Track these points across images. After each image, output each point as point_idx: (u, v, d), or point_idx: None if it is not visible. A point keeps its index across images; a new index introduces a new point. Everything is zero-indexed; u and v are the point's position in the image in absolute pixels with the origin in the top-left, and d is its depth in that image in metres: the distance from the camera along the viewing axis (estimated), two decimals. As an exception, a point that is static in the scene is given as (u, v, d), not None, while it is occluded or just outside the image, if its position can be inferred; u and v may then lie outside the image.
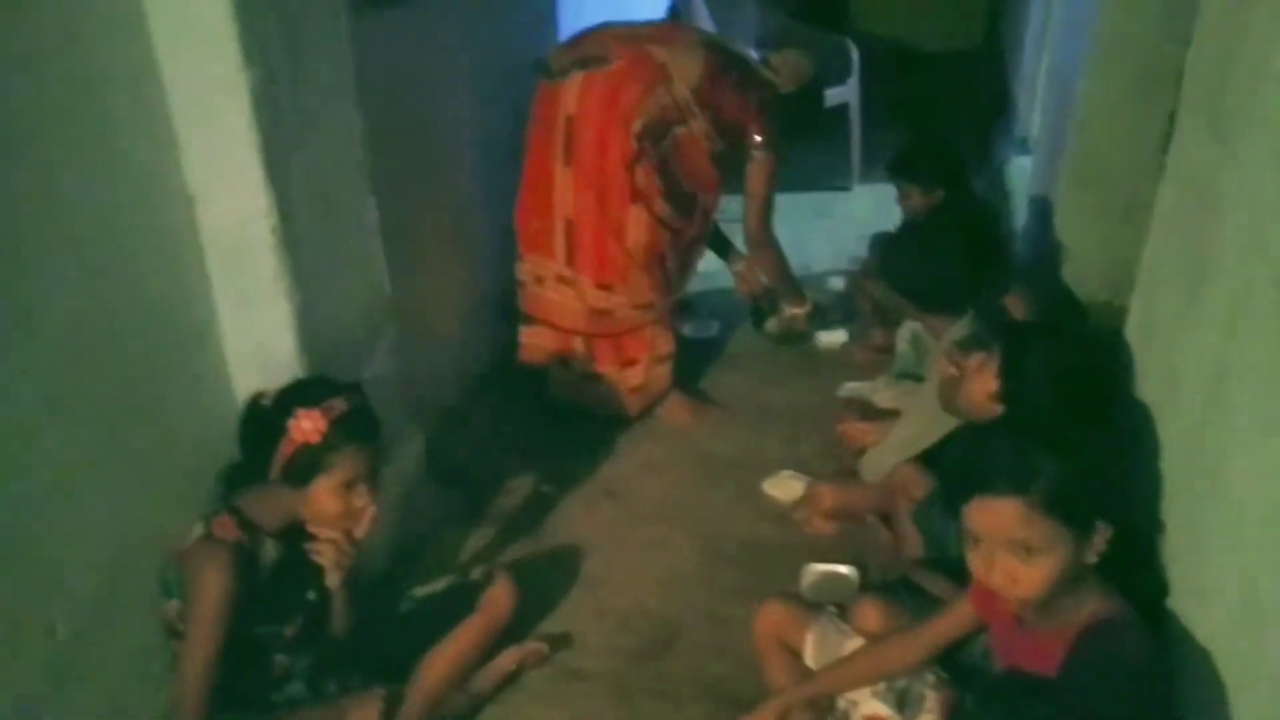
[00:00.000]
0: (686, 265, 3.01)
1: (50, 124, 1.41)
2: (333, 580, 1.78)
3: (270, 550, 1.71)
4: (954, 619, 1.52)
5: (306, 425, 1.65)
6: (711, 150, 2.81)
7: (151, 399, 1.68)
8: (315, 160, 1.94)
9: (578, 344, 2.89)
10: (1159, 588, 1.34)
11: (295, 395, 1.70)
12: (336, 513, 1.71)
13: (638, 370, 2.90)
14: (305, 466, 1.67)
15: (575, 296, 2.83)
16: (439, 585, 2.10)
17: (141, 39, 1.60)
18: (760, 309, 3.32)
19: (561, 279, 2.83)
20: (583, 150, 2.70)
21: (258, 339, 1.87)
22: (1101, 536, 1.22)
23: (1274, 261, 1.09)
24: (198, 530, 1.68)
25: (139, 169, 1.61)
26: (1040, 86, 4.00)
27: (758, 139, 2.86)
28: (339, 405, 1.68)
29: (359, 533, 1.78)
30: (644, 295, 2.84)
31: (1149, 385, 1.53)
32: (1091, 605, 1.25)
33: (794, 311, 3.23)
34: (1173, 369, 1.41)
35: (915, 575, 1.80)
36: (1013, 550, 1.22)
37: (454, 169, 2.92)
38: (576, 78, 2.69)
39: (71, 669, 1.50)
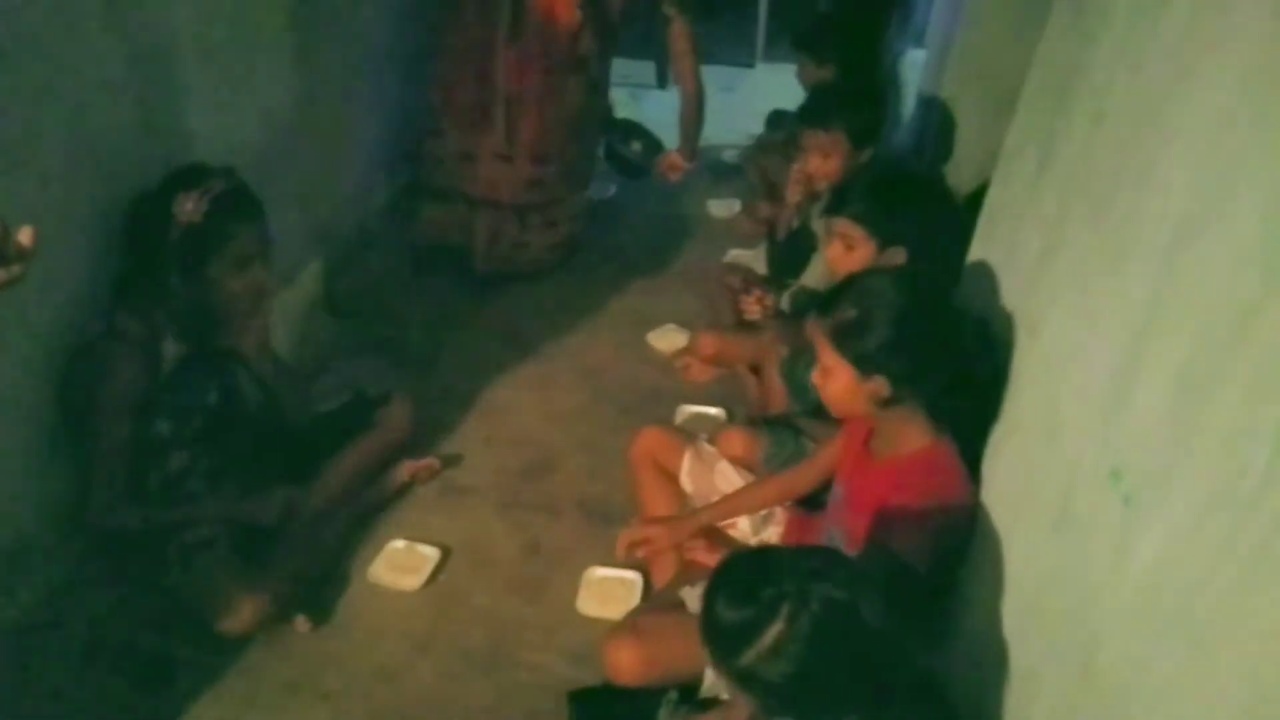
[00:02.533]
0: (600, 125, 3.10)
1: None
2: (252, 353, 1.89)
3: (170, 348, 1.77)
4: (823, 459, 1.72)
5: (189, 206, 1.70)
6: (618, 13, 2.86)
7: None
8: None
9: (509, 217, 2.90)
10: (985, 424, 1.56)
11: (173, 183, 1.73)
12: (237, 290, 1.78)
13: (560, 230, 3.00)
14: (196, 249, 1.72)
15: (513, 172, 2.83)
16: (338, 401, 2.21)
17: None
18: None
19: (499, 155, 2.82)
20: (531, 23, 2.68)
21: (157, 130, 1.90)
22: (876, 387, 1.41)
23: (1106, 139, 1.27)
24: (97, 327, 1.74)
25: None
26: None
27: (674, 2, 2.94)
28: (218, 185, 1.74)
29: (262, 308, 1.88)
30: (574, 163, 2.93)
31: (995, 254, 1.72)
32: (918, 441, 1.46)
33: (679, 160, 3.23)
34: (1017, 240, 1.61)
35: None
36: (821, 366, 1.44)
37: (362, 5, 2.87)
38: None
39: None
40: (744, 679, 1.05)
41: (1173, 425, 0.92)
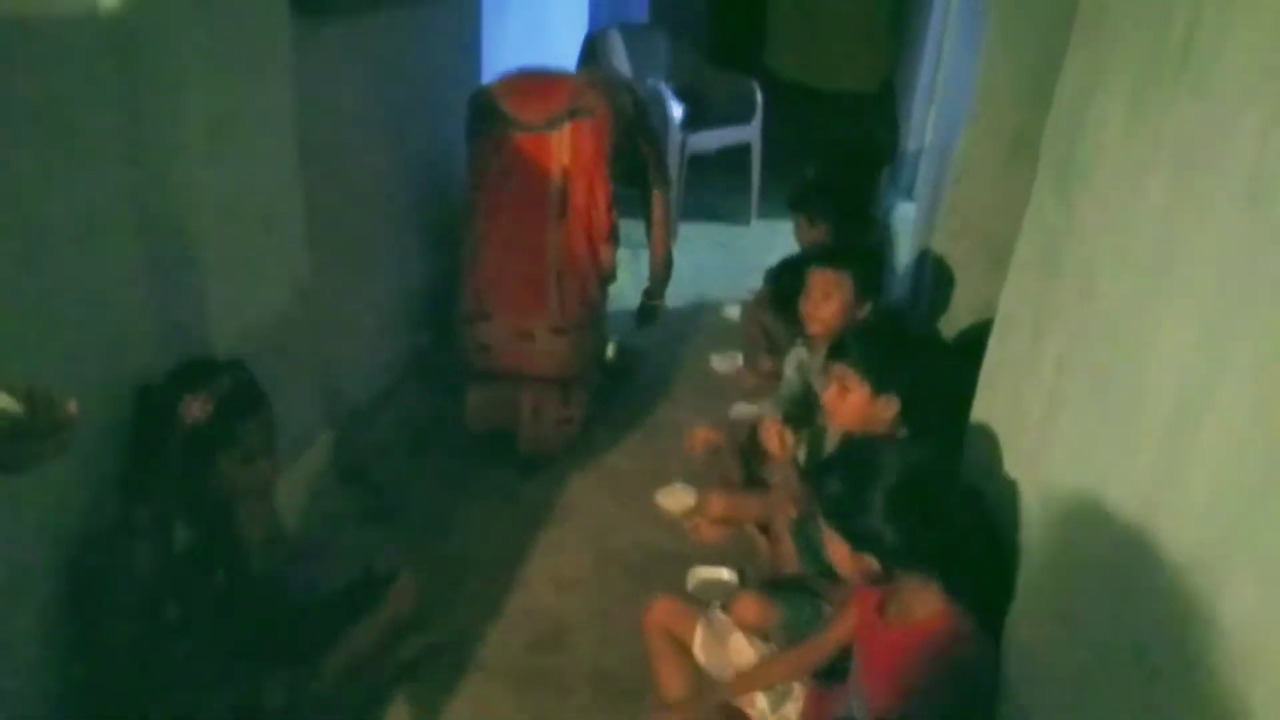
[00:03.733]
0: None
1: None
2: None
3: (181, 534, 1.78)
4: (838, 629, 1.69)
5: (195, 409, 1.74)
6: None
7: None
8: (249, 162, 2.03)
9: (554, 392, 2.90)
10: (1003, 596, 1.54)
11: (181, 381, 1.78)
12: (243, 482, 1.82)
13: (587, 398, 3.04)
14: (202, 448, 1.76)
15: (567, 343, 2.86)
16: (344, 579, 2.19)
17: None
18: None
19: (556, 330, 2.84)
20: (577, 199, 2.81)
21: (174, 319, 1.95)
22: (869, 563, 1.42)
23: (1100, 315, 1.30)
24: (109, 516, 1.75)
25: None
26: (926, 139, 4.30)
27: (659, 174, 3.15)
28: (223, 384, 1.79)
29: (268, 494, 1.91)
30: (603, 321, 3.07)
31: (997, 415, 1.73)
32: (929, 608, 1.44)
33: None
34: (1019, 401, 1.62)
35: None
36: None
37: (382, 181, 3.00)
38: (567, 128, 2.81)
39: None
40: None
41: (1188, 601, 0.91)
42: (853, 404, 1.89)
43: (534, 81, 2.96)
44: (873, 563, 1.41)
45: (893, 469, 1.43)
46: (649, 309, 3.38)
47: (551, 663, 2.15)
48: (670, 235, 3.28)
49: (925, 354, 2.06)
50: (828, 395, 1.95)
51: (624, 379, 3.39)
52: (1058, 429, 1.40)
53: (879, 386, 1.88)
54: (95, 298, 1.76)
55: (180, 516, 1.78)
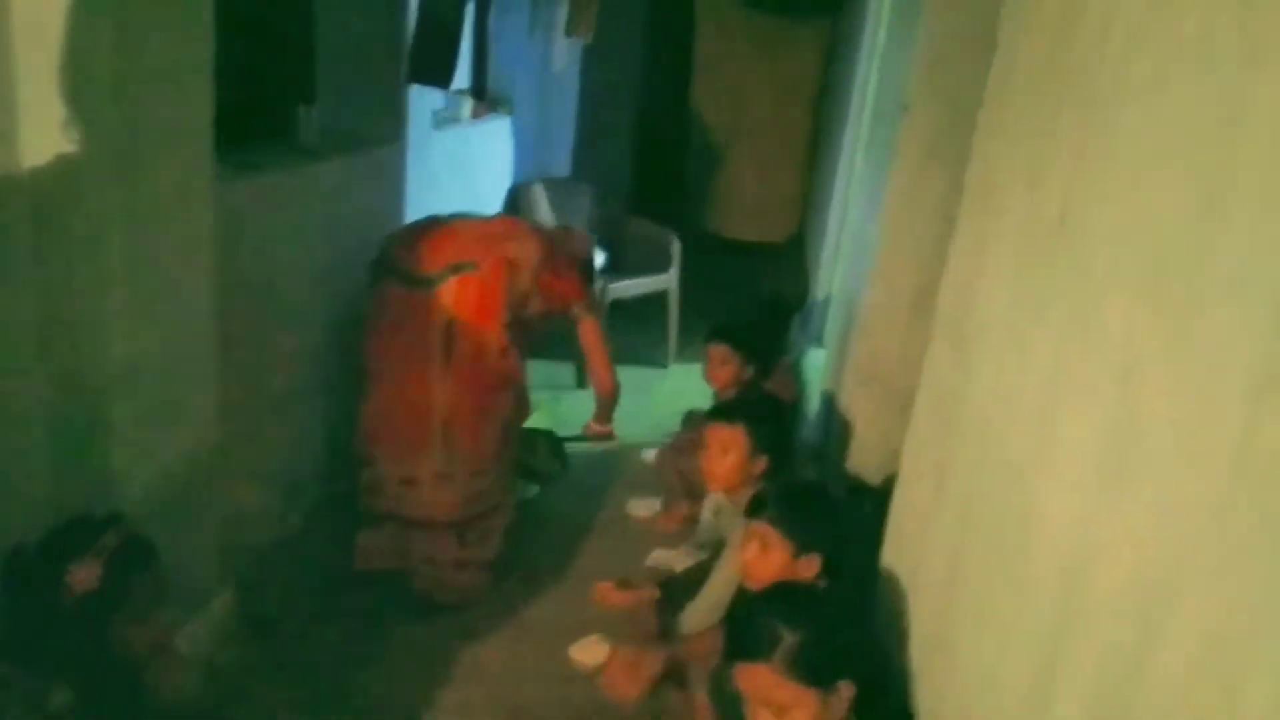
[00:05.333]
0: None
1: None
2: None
3: (58, 696, 1.67)
4: None
5: (84, 575, 1.67)
6: (538, 326, 3.07)
7: None
8: (163, 316, 2.02)
9: (448, 536, 2.87)
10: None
11: (62, 548, 1.71)
12: (137, 640, 1.74)
13: (494, 542, 2.97)
14: (95, 610, 1.68)
15: (454, 489, 2.84)
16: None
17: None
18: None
19: (441, 477, 2.83)
20: (463, 350, 2.83)
21: (77, 472, 1.89)
22: (846, 693, 1.41)
23: (993, 475, 1.35)
24: None
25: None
26: (834, 289, 4.49)
27: (582, 304, 3.19)
28: (109, 543, 1.72)
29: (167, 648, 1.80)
30: (506, 467, 3.01)
31: (902, 563, 1.77)
32: None
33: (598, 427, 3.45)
34: (922, 550, 1.66)
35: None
36: (769, 707, 1.40)
37: (298, 328, 2.99)
38: (451, 283, 2.84)
39: None
40: None
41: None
42: (774, 563, 1.88)
43: (431, 233, 3.00)
44: (850, 690, 1.39)
45: (836, 608, 1.44)
46: (543, 472, 3.41)
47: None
48: (611, 361, 3.30)
49: (844, 513, 2.09)
50: (748, 553, 1.94)
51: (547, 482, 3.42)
52: (962, 578, 1.44)
53: (802, 546, 1.88)
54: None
55: (59, 676, 1.67)
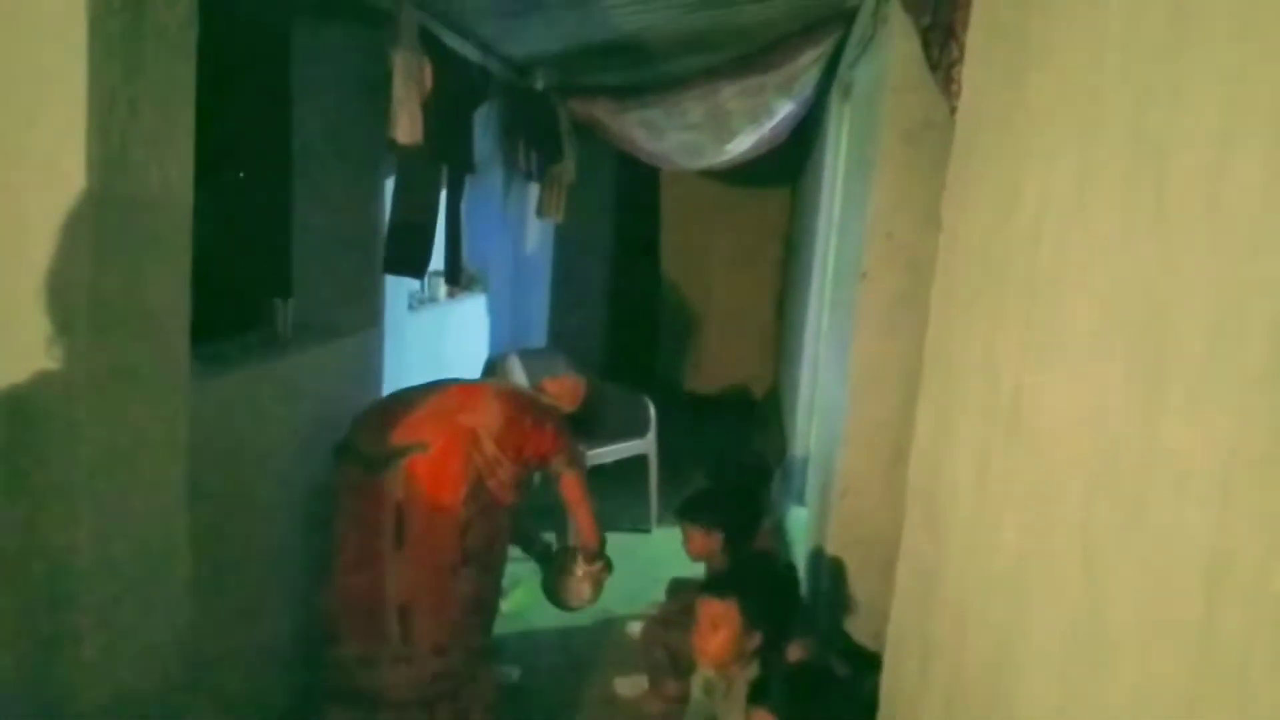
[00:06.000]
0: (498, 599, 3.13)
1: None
2: None
3: None
4: None
5: None
6: (516, 489, 3.02)
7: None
8: (135, 514, 2.00)
9: (415, 715, 2.81)
10: None
11: None
12: None
13: None
14: None
15: (413, 672, 2.79)
16: None
17: None
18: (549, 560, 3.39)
19: (398, 658, 2.79)
20: (415, 531, 2.80)
21: (40, 680, 1.83)
22: None
23: (981, 646, 1.34)
24: None
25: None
26: (811, 446, 4.51)
27: (562, 458, 3.12)
28: None
29: None
30: (475, 642, 2.93)
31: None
32: None
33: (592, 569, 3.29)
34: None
35: None
36: None
37: (274, 518, 2.97)
38: (400, 465, 2.81)
39: None
40: None
41: None
42: None
43: (388, 411, 3.00)
44: None
45: None
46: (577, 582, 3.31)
47: None
48: (595, 515, 3.24)
49: (850, 687, 2.04)
50: None
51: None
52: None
53: None
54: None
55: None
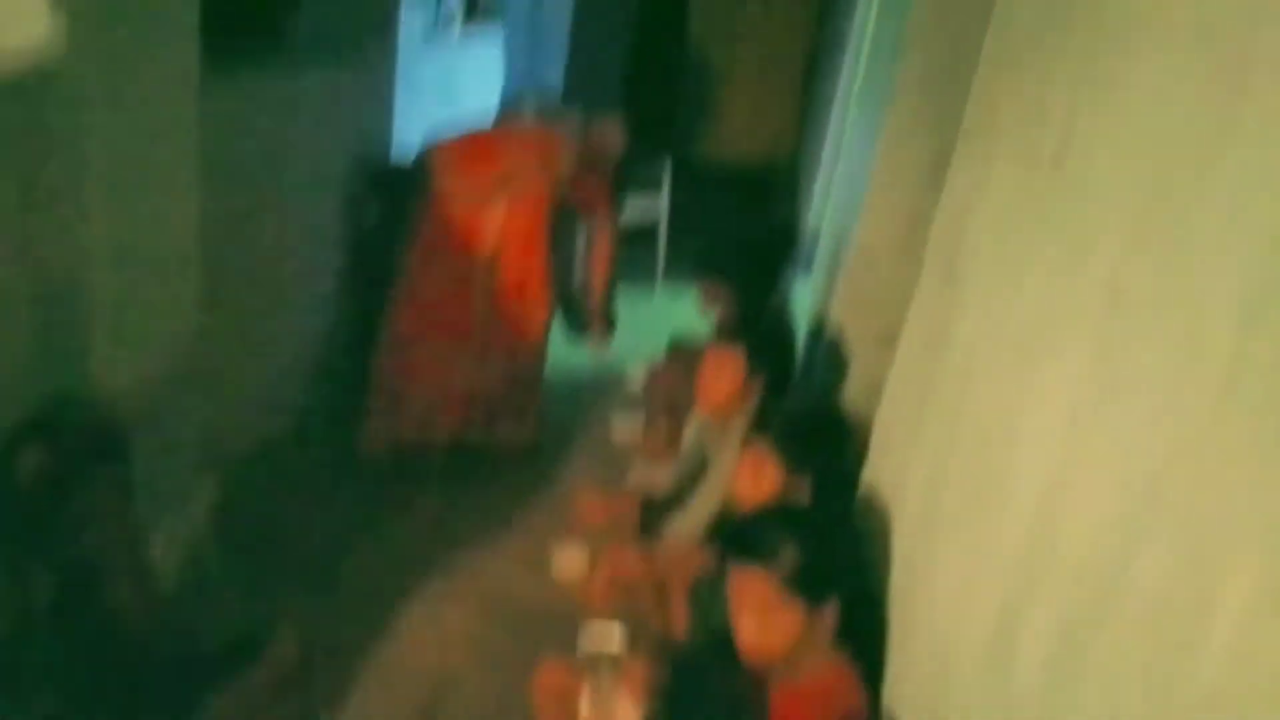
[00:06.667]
0: None
1: None
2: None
3: (41, 584, 1.69)
4: None
5: (31, 464, 1.66)
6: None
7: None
8: (147, 210, 2.01)
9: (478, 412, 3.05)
10: (878, 655, 1.60)
11: (21, 434, 1.69)
12: (97, 545, 1.72)
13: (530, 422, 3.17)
14: (41, 507, 1.67)
15: (486, 371, 3.02)
16: (221, 637, 2.12)
17: None
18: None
19: (474, 392, 3.00)
20: (508, 270, 2.95)
21: (58, 365, 1.90)
22: (831, 613, 1.46)
23: (977, 396, 1.38)
24: None
25: None
26: (825, 219, 4.48)
27: (604, 210, 3.25)
28: (69, 440, 1.71)
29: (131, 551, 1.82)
30: (541, 359, 3.17)
31: (883, 487, 1.81)
32: (822, 662, 1.48)
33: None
34: (904, 474, 1.70)
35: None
36: (756, 616, 1.45)
37: (286, 231, 2.96)
38: (499, 200, 2.91)
39: None
40: None
41: (1050, 672, 0.97)
42: (766, 483, 1.92)
43: (472, 146, 3.05)
44: (835, 610, 1.43)
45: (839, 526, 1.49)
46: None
47: (437, 724, 2.11)
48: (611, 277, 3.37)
49: (838, 440, 2.11)
50: (741, 469, 1.97)
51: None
52: (939, 505, 1.48)
53: (796, 471, 1.91)
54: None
55: (39, 567, 1.69)
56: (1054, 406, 1.09)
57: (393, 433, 3.01)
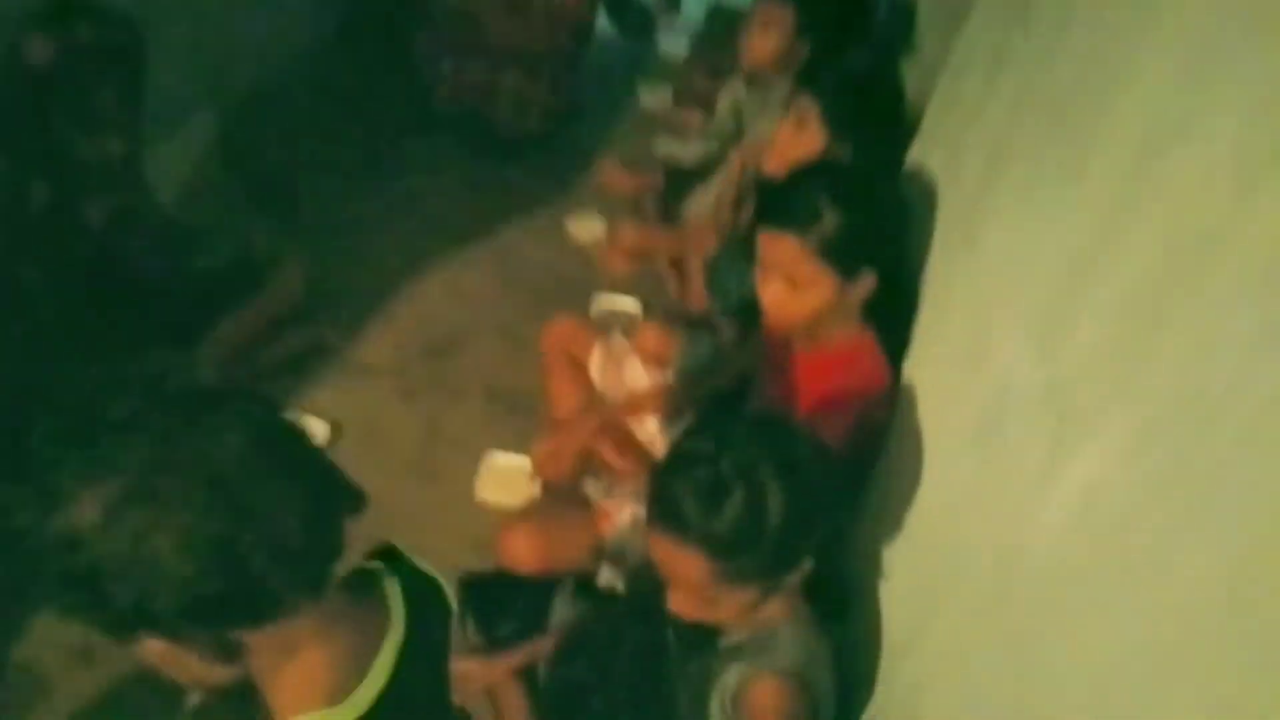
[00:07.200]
0: None
1: None
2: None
3: (41, 189, 1.60)
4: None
5: (35, 49, 1.50)
6: None
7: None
8: None
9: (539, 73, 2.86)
10: (905, 336, 1.52)
11: (40, 16, 1.52)
12: (86, 153, 1.59)
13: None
14: (36, 98, 1.53)
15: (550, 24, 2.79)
16: (221, 260, 2.06)
17: None
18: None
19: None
20: None
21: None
22: (866, 284, 1.36)
23: (1069, 57, 1.20)
24: None
25: None
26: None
27: None
28: (83, 34, 1.53)
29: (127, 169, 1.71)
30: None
31: (935, 158, 1.65)
32: (845, 330, 1.41)
33: None
34: (958, 152, 1.54)
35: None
36: (785, 278, 1.35)
37: None
38: None
39: None
40: (708, 545, 1.01)
41: (1120, 343, 0.88)
42: (805, 144, 1.73)
43: None
44: (871, 280, 1.34)
45: (876, 189, 1.41)
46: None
47: (444, 370, 2.10)
48: None
49: (890, 105, 1.88)
50: (783, 128, 1.78)
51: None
52: (1002, 179, 1.33)
53: (836, 132, 1.72)
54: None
55: (38, 170, 1.58)
56: (1170, 50, 0.92)
57: (467, 88, 2.82)
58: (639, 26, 3.38)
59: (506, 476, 1.82)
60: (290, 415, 1.81)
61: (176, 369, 1.79)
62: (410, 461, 1.88)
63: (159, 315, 1.85)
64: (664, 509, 1.03)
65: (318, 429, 1.86)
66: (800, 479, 1.02)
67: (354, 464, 1.82)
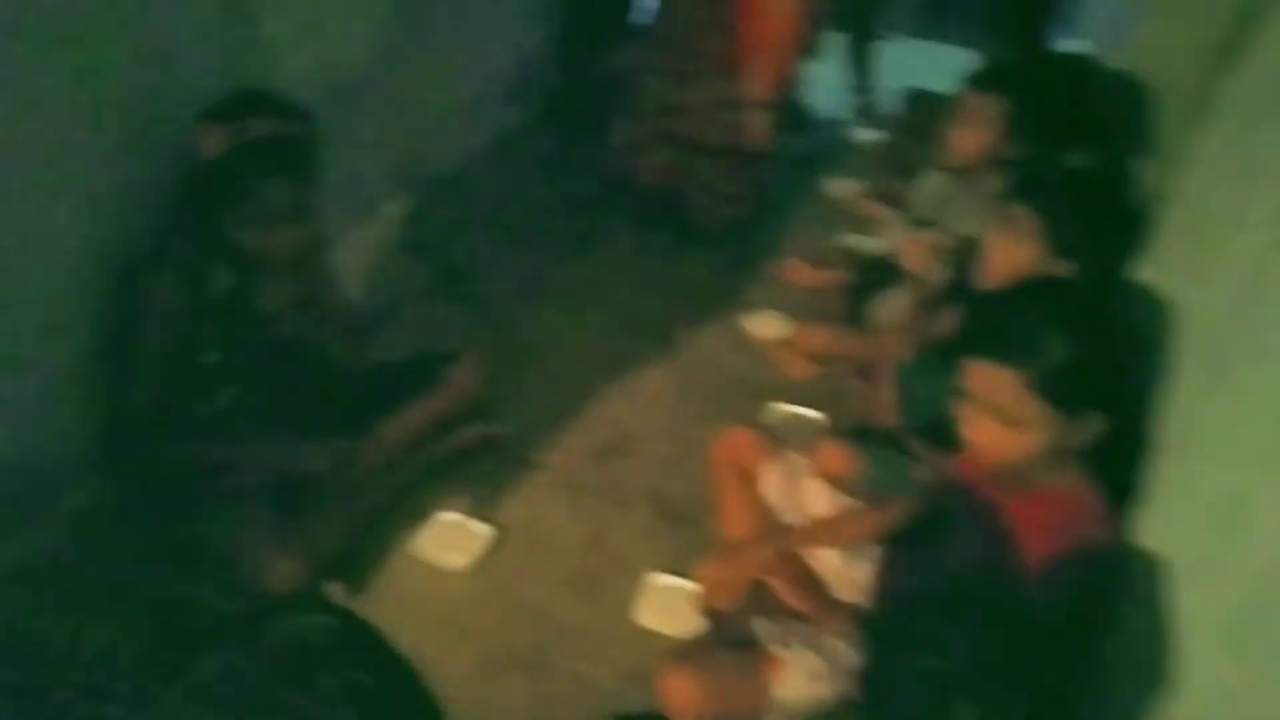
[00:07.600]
0: None
1: None
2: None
3: (223, 277, 1.62)
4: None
5: (209, 141, 1.52)
6: None
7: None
8: None
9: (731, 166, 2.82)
10: (1130, 490, 1.31)
11: (218, 108, 1.54)
12: (255, 245, 1.59)
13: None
14: (207, 190, 1.55)
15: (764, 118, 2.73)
16: (402, 354, 2.06)
17: None
18: None
19: (759, 104, 2.73)
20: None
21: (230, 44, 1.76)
22: (1090, 428, 1.17)
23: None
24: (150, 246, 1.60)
25: None
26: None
27: None
28: (257, 128, 1.53)
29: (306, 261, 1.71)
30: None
31: (1175, 271, 1.44)
32: (1060, 476, 1.22)
33: None
34: (1203, 272, 1.34)
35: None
36: (998, 417, 1.18)
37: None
38: None
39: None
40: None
41: None
42: (1023, 258, 1.55)
43: None
44: (1098, 423, 1.16)
45: (1105, 318, 1.23)
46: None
47: (613, 475, 2.01)
48: None
49: (1120, 218, 1.67)
50: (997, 240, 1.61)
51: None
52: (1257, 316, 1.13)
53: (1059, 248, 1.54)
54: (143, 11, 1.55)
55: (219, 257, 1.60)
56: None
57: (614, 165, 2.80)
58: (795, 125, 3.27)
59: (669, 601, 1.70)
60: (454, 517, 1.78)
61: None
62: (570, 573, 1.79)
63: (335, 404, 1.85)
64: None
65: (481, 532, 1.81)
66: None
67: (514, 570, 1.73)
